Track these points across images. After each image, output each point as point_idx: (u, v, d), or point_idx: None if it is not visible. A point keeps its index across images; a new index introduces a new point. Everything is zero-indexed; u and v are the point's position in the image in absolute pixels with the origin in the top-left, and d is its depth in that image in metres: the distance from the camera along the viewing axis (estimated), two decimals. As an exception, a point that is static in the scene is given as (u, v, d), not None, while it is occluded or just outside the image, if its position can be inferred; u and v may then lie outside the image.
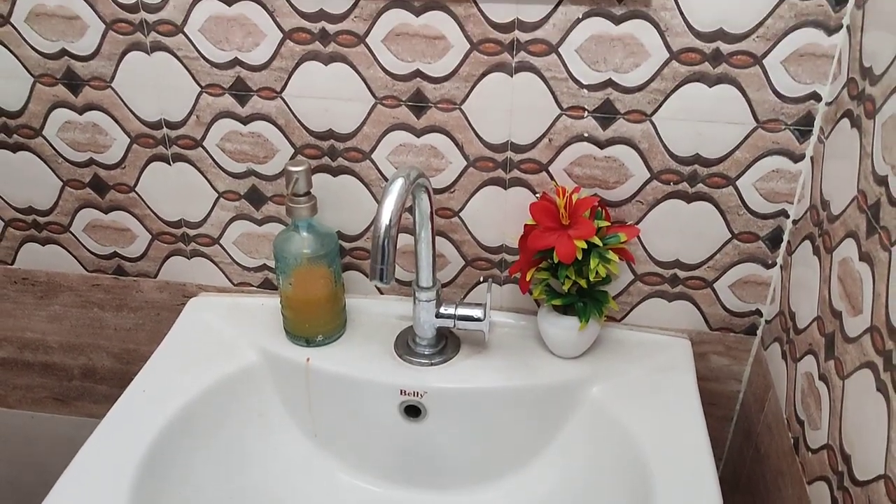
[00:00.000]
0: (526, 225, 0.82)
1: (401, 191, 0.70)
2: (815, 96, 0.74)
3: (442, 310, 0.85)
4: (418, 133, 0.83)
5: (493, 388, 0.85)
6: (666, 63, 0.75)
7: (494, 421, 0.86)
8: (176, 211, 0.94)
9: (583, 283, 0.80)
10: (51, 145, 0.91)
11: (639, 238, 0.86)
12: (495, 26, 0.76)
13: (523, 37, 0.76)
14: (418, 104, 0.81)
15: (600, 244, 0.79)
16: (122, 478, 0.73)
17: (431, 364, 0.87)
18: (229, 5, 0.79)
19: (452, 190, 0.86)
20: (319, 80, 0.81)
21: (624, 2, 0.72)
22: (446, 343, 0.89)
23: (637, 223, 0.85)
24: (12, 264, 1.03)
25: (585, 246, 0.77)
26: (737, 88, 0.75)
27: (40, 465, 1.26)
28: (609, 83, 0.77)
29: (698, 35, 0.73)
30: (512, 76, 0.78)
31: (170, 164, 0.90)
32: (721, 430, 0.99)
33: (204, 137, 0.87)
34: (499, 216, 0.87)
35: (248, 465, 0.86)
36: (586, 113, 0.79)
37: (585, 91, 0.78)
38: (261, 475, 0.87)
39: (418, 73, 0.79)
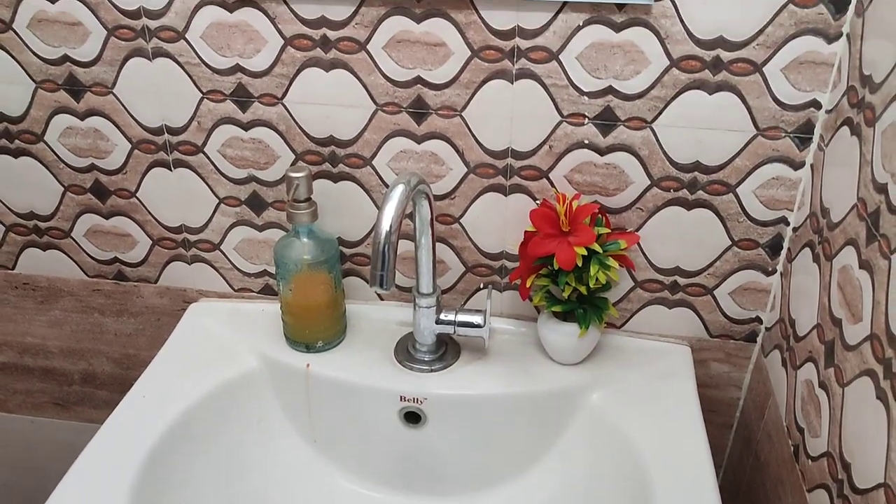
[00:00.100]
0: (526, 231, 0.82)
1: (401, 197, 0.70)
2: (815, 104, 0.74)
3: (442, 316, 0.85)
4: (419, 139, 0.83)
5: (493, 395, 0.85)
6: (666, 70, 0.75)
7: (494, 427, 0.86)
8: (177, 216, 0.94)
9: (583, 289, 0.80)
10: (52, 151, 0.91)
11: (639, 245, 0.86)
12: (496, 33, 0.76)
13: (524, 44, 0.76)
14: (419, 111, 0.81)
15: (600, 251, 0.79)
16: (122, 483, 0.73)
17: (431, 370, 0.87)
18: (231, 12, 0.79)
19: (453, 196, 0.86)
20: (320, 86, 0.82)
21: (624, 9, 0.73)
22: (446, 349, 0.89)
23: (637, 230, 0.85)
24: (13, 269, 1.03)
25: (585, 253, 0.78)
26: (737, 96, 0.75)
27: (40, 469, 1.26)
28: (609, 90, 0.77)
29: (698, 43, 0.73)
30: (512, 83, 0.78)
31: (171, 169, 0.90)
32: (721, 438, 0.99)
33: (205, 143, 0.88)
34: (499, 223, 0.87)
35: (247, 470, 0.86)
36: (587, 120, 0.79)
37: (586, 98, 0.78)
38: (260, 481, 0.87)
39: (419, 80, 0.80)
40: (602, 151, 0.80)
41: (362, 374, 0.87)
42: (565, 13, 0.74)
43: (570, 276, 0.80)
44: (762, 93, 0.74)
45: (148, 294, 1.01)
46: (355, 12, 0.77)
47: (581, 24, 0.74)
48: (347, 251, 0.93)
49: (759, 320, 0.89)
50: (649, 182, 0.81)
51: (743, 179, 0.79)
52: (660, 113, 0.77)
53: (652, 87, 0.76)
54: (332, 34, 0.78)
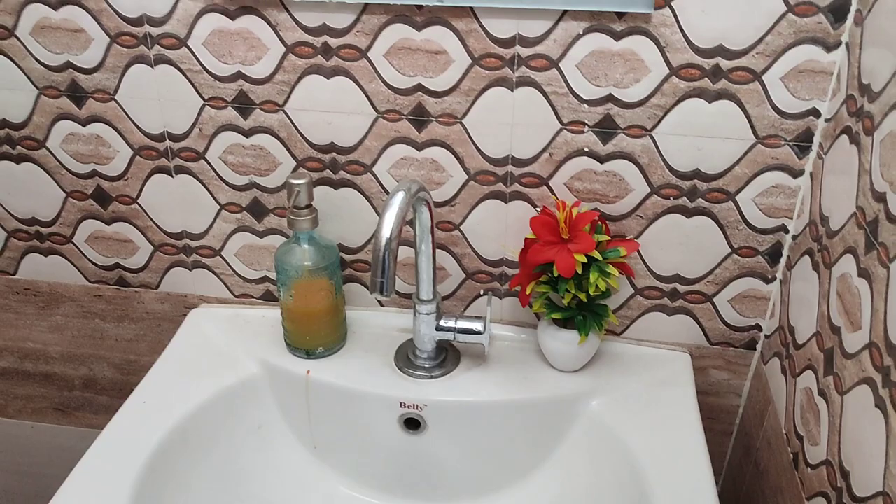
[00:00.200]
0: (526, 239, 0.83)
1: (402, 204, 0.70)
2: (815, 112, 0.75)
3: (442, 323, 0.85)
4: (419, 147, 0.83)
5: (492, 402, 0.85)
6: (666, 79, 0.75)
7: (494, 434, 0.86)
8: (178, 222, 0.94)
9: (583, 296, 0.81)
10: (54, 157, 0.92)
11: (639, 252, 0.86)
12: (496, 41, 0.76)
13: (524, 52, 0.76)
14: (419, 118, 0.82)
15: (600, 258, 0.79)
16: (122, 488, 0.73)
17: (431, 377, 0.87)
18: (232, 19, 0.79)
19: (453, 203, 0.86)
20: (322, 93, 0.82)
21: (624, 18, 0.73)
22: (446, 356, 0.89)
23: (637, 237, 0.85)
24: (14, 274, 1.03)
25: (585, 260, 0.78)
26: (736, 104, 0.75)
27: (40, 475, 1.26)
28: (609, 98, 0.77)
29: (698, 51, 0.73)
30: (513, 91, 0.78)
31: (172, 175, 0.90)
32: (720, 445, 0.99)
33: (206, 150, 0.88)
34: (499, 230, 0.87)
35: (247, 476, 0.86)
36: (587, 128, 0.79)
37: (586, 106, 0.78)
38: (260, 487, 0.87)
39: (420, 88, 0.80)
40: (602, 159, 0.81)
41: (362, 380, 0.87)
42: (565, 21, 0.74)
43: (570, 284, 0.80)
44: (762, 101, 0.75)
45: (149, 300, 1.02)
46: (356, 20, 0.77)
47: (581, 32, 0.74)
48: (348, 257, 0.93)
49: (758, 328, 0.89)
50: (649, 190, 0.82)
51: (742, 187, 0.80)
52: (660, 121, 0.78)
53: (652, 95, 0.76)
54: (334, 42, 0.79)
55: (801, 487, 0.74)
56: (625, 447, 0.79)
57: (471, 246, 0.89)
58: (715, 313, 0.88)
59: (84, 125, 0.89)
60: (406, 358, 0.89)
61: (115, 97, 0.86)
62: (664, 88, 0.76)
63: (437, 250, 0.90)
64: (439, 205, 0.87)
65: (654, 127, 0.78)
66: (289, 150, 0.86)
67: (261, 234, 0.93)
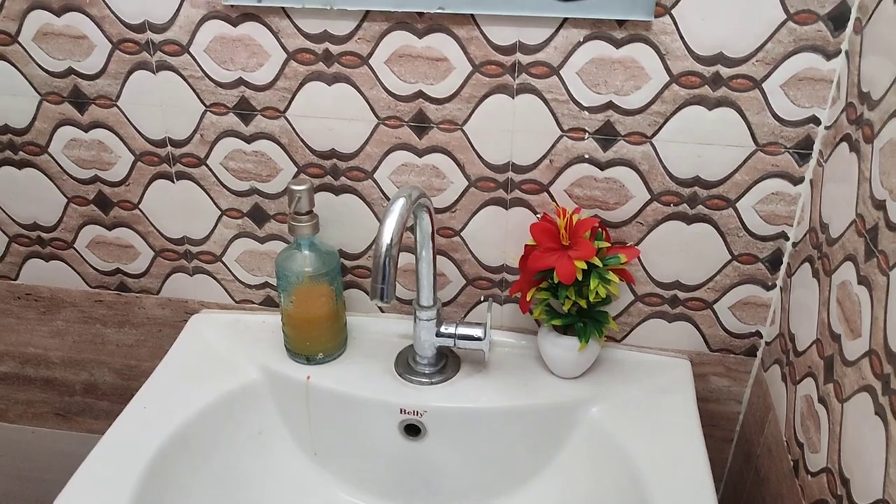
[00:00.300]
0: (526, 245, 0.83)
1: (402, 211, 0.70)
2: (815, 120, 0.75)
3: (442, 329, 0.85)
4: (420, 153, 0.84)
5: (492, 408, 0.85)
6: (666, 86, 0.75)
7: (494, 440, 0.86)
8: (179, 228, 0.94)
9: (583, 303, 0.81)
10: (56, 162, 0.92)
11: (639, 259, 0.86)
12: (497, 49, 0.76)
13: (525, 59, 0.76)
14: (420, 125, 0.82)
15: (600, 265, 0.79)
16: (122, 494, 0.73)
17: (431, 383, 0.87)
18: (234, 26, 0.79)
19: (454, 210, 0.87)
20: (323, 100, 0.82)
21: (624, 25, 0.73)
22: (446, 362, 0.89)
23: (637, 244, 0.85)
24: (16, 280, 1.04)
25: (585, 267, 0.78)
26: (736, 112, 0.75)
27: (41, 480, 1.26)
28: (609, 105, 0.77)
29: (698, 59, 0.74)
30: (513, 98, 0.79)
31: (173, 181, 0.91)
32: (721, 452, 0.99)
33: (208, 156, 0.88)
34: (500, 236, 0.87)
35: (247, 482, 0.86)
36: (587, 134, 0.79)
37: (586, 113, 0.78)
38: (260, 493, 0.87)
39: (421, 94, 0.80)
40: (602, 166, 0.81)
41: (362, 386, 0.87)
42: (566, 29, 0.74)
43: (571, 290, 0.80)
44: (762, 108, 0.75)
45: (149, 305, 1.02)
46: (357, 27, 0.77)
47: (581, 39, 0.74)
48: (348, 263, 0.93)
49: (759, 335, 0.89)
50: (649, 196, 0.82)
51: (743, 194, 0.80)
52: (660, 128, 0.78)
53: (652, 102, 0.76)
54: (335, 48, 0.79)
55: (801, 495, 0.74)
56: (625, 454, 0.79)
57: (471, 252, 0.89)
58: (715, 320, 0.88)
59: (86, 131, 0.89)
60: (406, 364, 0.89)
61: (117, 103, 0.86)
62: (664, 96, 0.76)
63: (438, 256, 0.90)
64: (440, 211, 0.87)
65: (654, 134, 0.78)
66: (290, 156, 0.86)
67: (262, 240, 0.93)
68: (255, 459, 0.88)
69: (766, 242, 0.82)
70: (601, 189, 0.82)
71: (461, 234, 0.88)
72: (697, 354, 0.91)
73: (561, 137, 0.80)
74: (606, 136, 0.79)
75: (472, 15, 0.75)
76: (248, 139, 0.86)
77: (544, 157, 0.81)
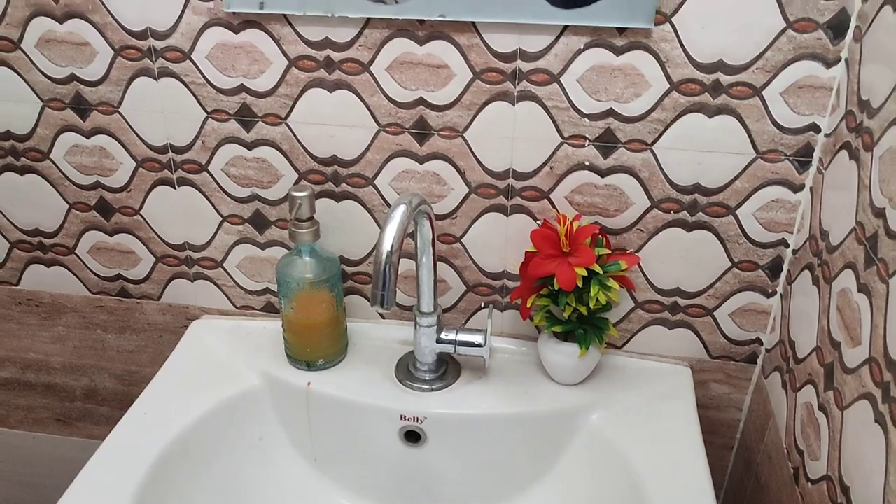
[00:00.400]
0: (527, 252, 0.83)
1: (402, 217, 0.71)
2: (815, 127, 0.75)
3: (443, 335, 0.85)
4: (421, 160, 0.84)
5: (493, 415, 0.85)
6: (666, 93, 0.76)
7: (494, 447, 0.86)
8: (180, 234, 0.95)
9: (583, 310, 0.81)
10: (58, 168, 0.92)
11: (639, 266, 0.86)
12: (498, 56, 0.77)
13: (525, 66, 0.77)
14: (421, 131, 0.82)
15: (601, 272, 0.79)
16: (123, 500, 0.73)
17: (432, 389, 0.87)
18: (236, 33, 0.80)
19: (454, 216, 0.87)
20: (324, 106, 0.82)
21: (625, 33, 0.73)
22: (447, 368, 0.89)
23: (637, 251, 0.85)
24: (17, 285, 1.04)
25: (586, 273, 0.78)
26: (736, 119, 0.76)
27: (41, 485, 1.26)
28: (610, 112, 0.78)
29: (698, 66, 0.74)
30: (514, 105, 0.79)
31: (175, 187, 0.91)
32: (722, 459, 0.98)
33: (209, 162, 0.88)
34: (500, 242, 0.88)
35: (247, 488, 0.86)
36: (587, 142, 0.80)
37: (586, 120, 0.78)
38: (261, 498, 0.87)
39: (421, 101, 0.80)
40: (602, 173, 0.81)
41: (363, 392, 0.87)
42: (566, 36, 0.74)
43: (571, 297, 0.80)
44: (762, 116, 0.75)
45: (150, 311, 1.02)
46: (359, 34, 0.78)
47: (582, 47, 0.75)
48: (349, 270, 0.93)
49: (759, 342, 0.89)
50: (650, 203, 0.82)
51: (743, 201, 0.80)
52: (660, 135, 0.78)
53: (652, 109, 0.77)
54: (336, 55, 0.79)
55: (801, 503, 0.74)
56: (625, 461, 0.79)
57: (472, 259, 0.89)
58: (715, 327, 0.88)
59: (88, 137, 0.89)
60: (407, 370, 0.89)
61: (119, 109, 0.87)
62: (664, 103, 0.76)
63: (439, 263, 0.90)
64: (440, 217, 0.87)
65: (654, 141, 0.78)
66: (291, 162, 0.87)
67: (262, 246, 0.94)
68: (256, 466, 0.88)
69: (767, 249, 0.82)
70: (601, 196, 0.82)
71: (462, 240, 0.88)
72: (698, 361, 0.91)
73: (561, 144, 0.80)
74: (607, 143, 0.79)
75: (472, 22, 0.75)
76: (250, 145, 0.86)
77: (545, 164, 0.82)
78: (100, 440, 0.81)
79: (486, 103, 0.79)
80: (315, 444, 0.90)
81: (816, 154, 0.76)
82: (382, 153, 0.84)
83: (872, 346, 0.60)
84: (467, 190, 0.85)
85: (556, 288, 0.78)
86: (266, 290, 0.97)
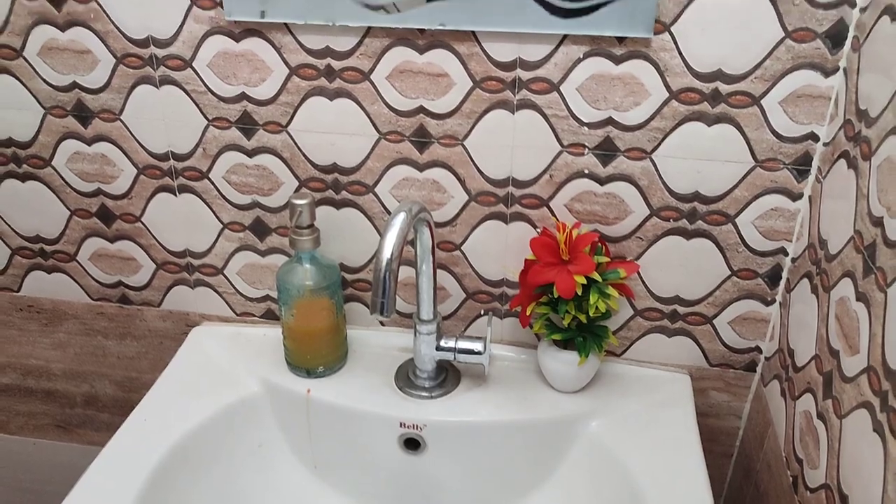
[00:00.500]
0: (526, 259, 0.83)
1: (402, 225, 0.71)
2: (813, 136, 0.75)
3: (442, 343, 0.85)
4: (421, 168, 0.84)
5: (492, 422, 0.85)
6: (665, 102, 0.76)
7: (494, 454, 0.86)
8: (181, 241, 0.95)
9: (583, 317, 0.81)
10: (59, 175, 0.93)
11: (639, 274, 0.86)
12: (497, 65, 0.77)
13: (525, 75, 0.77)
14: (421, 139, 0.82)
15: (600, 280, 0.79)
16: (122, 508, 0.73)
17: (431, 397, 0.87)
18: (237, 41, 0.80)
19: (454, 224, 0.87)
20: (324, 115, 0.83)
21: (624, 42, 0.74)
22: (446, 376, 0.89)
23: (637, 259, 0.85)
24: (18, 291, 1.04)
25: (585, 281, 0.78)
26: (735, 128, 0.76)
27: (41, 492, 1.26)
28: (609, 121, 0.78)
29: (697, 75, 0.74)
30: (513, 113, 0.79)
31: (176, 195, 0.91)
32: (721, 467, 0.98)
33: (210, 169, 0.89)
34: (500, 250, 0.88)
35: (247, 495, 0.86)
36: (587, 150, 0.80)
37: (586, 129, 0.79)
38: (259, 506, 0.87)
39: (422, 110, 0.81)
40: (602, 181, 0.81)
41: (362, 399, 0.87)
42: (566, 45, 0.75)
43: (570, 305, 0.80)
44: (760, 125, 0.75)
45: (151, 317, 1.02)
46: (359, 43, 0.78)
47: (581, 56, 0.75)
48: (349, 277, 0.94)
49: (758, 350, 0.89)
50: (649, 212, 0.82)
51: (742, 210, 0.80)
52: (659, 144, 0.78)
53: (651, 118, 0.77)
54: (337, 64, 0.80)
55: (800, 511, 0.74)
56: (624, 468, 0.79)
57: (471, 266, 0.90)
58: (715, 335, 0.89)
59: (89, 144, 0.90)
60: (406, 377, 0.89)
61: (121, 117, 0.87)
62: (664, 112, 0.76)
63: (438, 270, 0.90)
64: (440, 225, 0.87)
65: (653, 150, 0.79)
66: (291, 170, 0.87)
67: (263, 254, 0.94)
68: (256, 472, 0.88)
69: (766, 258, 0.83)
70: (601, 204, 0.83)
71: (461, 248, 0.88)
72: (697, 369, 0.91)
73: (561, 153, 0.80)
74: (606, 151, 0.80)
75: (472, 31, 0.76)
76: (250, 153, 0.87)
77: (544, 172, 0.82)
78: (100, 446, 0.81)
79: (485, 112, 0.80)
80: (315, 451, 0.90)
81: (815, 163, 0.76)
82: (383, 161, 0.84)
83: (871, 354, 0.60)
84: (467, 198, 0.85)
85: (556, 296, 0.79)
86: (266, 297, 0.98)
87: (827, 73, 0.72)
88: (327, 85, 0.81)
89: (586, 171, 0.81)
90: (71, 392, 1.13)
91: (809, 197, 0.78)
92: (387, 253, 0.69)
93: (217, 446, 0.85)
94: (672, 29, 0.72)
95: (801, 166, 0.77)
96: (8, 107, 0.89)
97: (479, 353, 0.85)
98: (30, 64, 0.86)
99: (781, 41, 0.71)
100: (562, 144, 0.80)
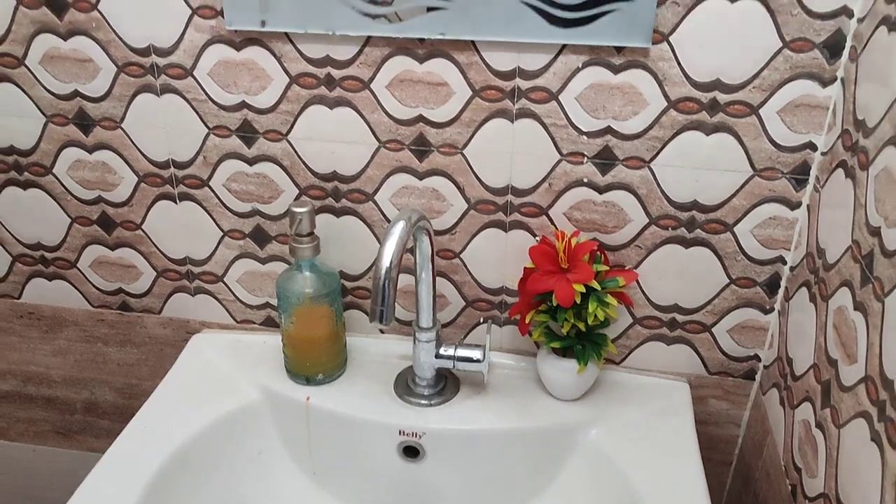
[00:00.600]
0: (525, 268, 0.83)
1: (402, 233, 0.71)
2: (811, 146, 0.75)
3: (442, 350, 0.86)
4: (420, 176, 0.84)
5: (491, 430, 0.85)
6: (664, 112, 0.76)
7: (493, 462, 0.86)
8: (181, 248, 0.95)
9: (582, 326, 0.81)
10: (60, 183, 0.93)
11: (637, 282, 0.86)
12: (497, 74, 0.77)
13: (524, 84, 0.77)
14: (421, 148, 0.83)
15: (599, 288, 0.80)
16: (121, 515, 0.73)
17: (430, 405, 0.87)
18: (238, 50, 0.81)
19: (454, 232, 0.87)
20: (325, 123, 0.83)
21: (623, 52, 0.74)
22: (446, 383, 0.89)
23: (636, 267, 0.85)
24: (19, 298, 1.04)
25: (584, 290, 0.78)
26: (734, 137, 0.76)
27: (41, 498, 1.26)
28: (608, 130, 0.78)
29: (696, 85, 0.74)
30: (513, 122, 0.79)
31: (176, 202, 0.92)
32: (720, 475, 0.98)
33: (210, 177, 0.89)
34: (499, 258, 0.88)
35: (247, 501, 0.86)
36: (586, 159, 0.80)
37: (585, 138, 0.79)
38: (259, 514, 0.87)
39: (421, 118, 0.81)
40: (601, 190, 0.82)
41: (362, 407, 0.87)
42: (565, 55, 0.75)
43: (569, 313, 0.80)
44: (759, 134, 0.76)
45: (151, 324, 1.02)
46: (359, 52, 0.78)
47: (580, 65, 0.75)
48: (349, 284, 0.94)
49: (757, 358, 0.89)
50: (648, 220, 0.82)
51: (740, 219, 0.80)
52: (658, 153, 0.78)
53: (650, 127, 0.77)
54: (337, 73, 0.80)
55: (799, 520, 0.74)
56: (624, 476, 0.79)
57: (471, 274, 0.90)
58: (714, 343, 0.89)
59: (90, 152, 0.90)
60: (405, 385, 0.89)
61: (122, 125, 0.87)
62: (662, 121, 0.77)
63: (438, 278, 0.90)
64: (440, 233, 0.88)
65: (652, 159, 0.79)
66: (291, 178, 0.87)
67: (263, 261, 0.94)
68: (255, 479, 0.88)
69: (764, 266, 0.83)
70: (600, 212, 0.83)
71: (461, 255, 0.89)
72: (696, 377, 0.91)
73: (560, 161, 0.81)
74: (605, 160, 0.80)
75: (472, 41, 0.76)
76: (251, 161, 0.87)
77: (543, 180, 0.82)
78: (100, 453, 0.81)
79: (485, 120, 0.80)
80: (314, 459, 0.90)
81: (813, 172, 0.76)
82: (382, 169, 0.85)
83: (868, 364, 0.61)
84: (466, 206, 0.85)
85: (555, 304, 0.79)
86: (266, 305, 0.98)
87: (825, 83, 0.72)
88: (327, 94, 0.81)
89: (585, 180, 0.81)
90: (71, 399, 1.13)
91: (808, 206, 0.78)
92: (386, 261, 0.70)
93: (217, 453, 0.85)
94: (670, 39, 0.73)
95: (800, 175, 0.77)
96: (9, 115, 0.89)
97: (478, 360, 0.85)
98: (31, 72, 0.86)
99: (779, 51, 0.71)
100: (561, 153, 0.80)
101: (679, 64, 0.74)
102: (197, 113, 0.85)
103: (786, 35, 0.70)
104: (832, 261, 0.70)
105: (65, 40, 0.83)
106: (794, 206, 0.79)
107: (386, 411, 0.86)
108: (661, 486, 0.77)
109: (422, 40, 0.77)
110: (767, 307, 0.85)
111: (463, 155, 0.82)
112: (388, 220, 0.88)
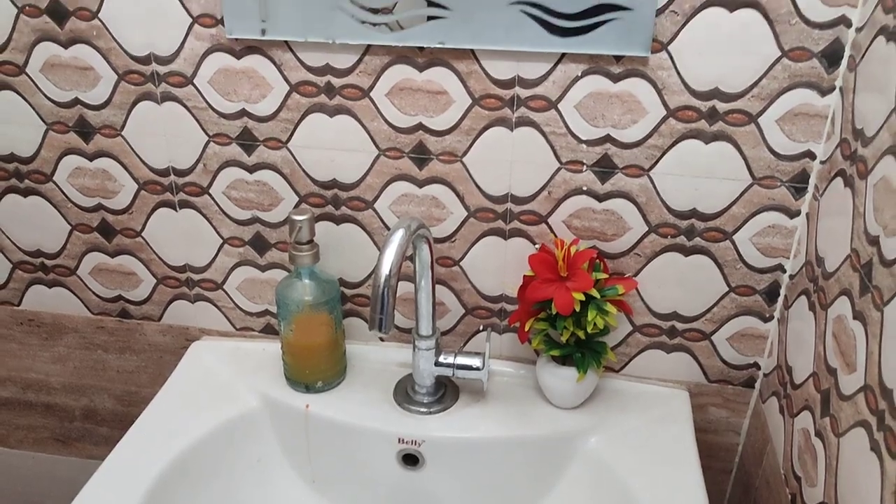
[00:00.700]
0: (525, 275, 0.83)
1: (401, 241, 0.71)
2: (810, 154, 0.75)
3: (441, 358, 0.86)
4: (420, 184, 0.84)
5: (491, 438, 0.85)
6: (663, 120, 0.76)
7: (492, 470, 0.86)
8: (181, 256, 0.95)
9: (581, 333, 0.81)
10: (61, 190, 0.93)
11: (637, 290, 0.87)
12: (496, 82, 0.77)
13: (523, 93, 0.77)
14: (420, 156, 0.83)
15: (598, 296, 0.80)
16: (119, 523, 0.73)
17: (430, 412, 0.87)
18: (238, 59, 0.81)
19: (453, 239, 0.87)
20: (324, 131, 0.83)
21: (622, 61, 0.74)
22: (445, 391, 0.89)
23: (635, 275, 0.85)
24: (19, 305, 1.04)
25: (583, 298, 0.78)
26: (733, 146, 0.76)
27: (39, 505, 1.26)
28: (607, 139, 0.78)
29: (694, 94, 0.75)
30: (512, 130, 0.80)
31: (176, 210, 0.92)
32: (720, 483, 0.98)
33: (210, 185, 0.89)
34: (498, 266, 0.88)
35: (245, 511, 0.86)
36: (585, 167, 0.80)
37: (584, 146, 0.79)
38: (258, 522, 0.87)
39: (421, 127, 0.81)
40: (600, 198, 0.82)
41: (361, 415, 0.87)
42: (564, 64, 0.75)
43: (569, 321, 0.80)
44: (758, 143, 0.76)
45: (151, 332, 1.02)
46: (359, 61, 0.79)
47: (580, 74, 0.76)
48: (348, 292, 0.94)
49: (756, 366, 0.89)
50: (647, 228, 0.82)
51: (740, 227, 0.80)
52: (657, 161, 0.79)
53: (649, 136, 0.77)
54: (337, 81, 0.80)
55: (798, 528, 0.74)
56: (624, 485, 0.79)
57: (470, 282, 0.90)
58: (713, 351, 0.89)
59: (91, 160, 0.90)
60: (405, 393, 0.89)
61: (122, 133, 0.88)
62: (661, 129, 0.77)
63: (437, 286, 0.91)
64: (439, 241, 0.88)
65: (651, 167, 0.79)
66: (291, 186, 0.87)
67: (262, 269, 0.94)
68: (254, 486, 0.88)
69: (764, 274, 0.83)
70: (599, 221, 0.83)
71: (460, 263, 0.89)
72: (696, 385, 0.91)
73: (559, 170, 0.81)
74: (604, 168, 0.80)
75: (471, 50, 0.76)
76: (251, 169, 0.87)
77: (543, 188, 0.82)
78: (99, 460, 0.81)
79: (484, 129, 0.80)
80: (313, 466, 0.90)
81: (812, 180, 0.77)
82: (382, 177, 0.85)
83: (868, 373, 0.61)
84: (466, 214, 0.85)
85: (554, 312, 0.79)
86: (266, 312, 0.98)
87: (823, 92, 0.72)
88: (327, 102, 0.82)
89: (584, 188, 0.82)
90: (70, 406, 1.13)
91: (807, 214, 0.78)
92: (385, 269, 0.70)
93: (216, 461, 0.85)
94: (669, 48, 0.73)
95: (799, 184, 0.77)
96: (10, 122, 0.89)
97: (477, 368, 0.85)
98: (32, 80, 0.86)
99: (778, 60, 0.71)
100: (560, 161, 0.80)
101: (678, 73, 0.74)
102: (197, 121, 0.85)
103: (784, 44, 0.71)
104: (831, 269, 0.70)
105: (65, 48, 0.83)
106: (793, 214, 0.79)
107: (385, 419, 0.86)
108: (660, 495, 0.77)
109: (421, 49, 0.77)
110: (767, 315, 0.85)
111: (462, 163, 0.82)
112: (388, 228, 0.88)
